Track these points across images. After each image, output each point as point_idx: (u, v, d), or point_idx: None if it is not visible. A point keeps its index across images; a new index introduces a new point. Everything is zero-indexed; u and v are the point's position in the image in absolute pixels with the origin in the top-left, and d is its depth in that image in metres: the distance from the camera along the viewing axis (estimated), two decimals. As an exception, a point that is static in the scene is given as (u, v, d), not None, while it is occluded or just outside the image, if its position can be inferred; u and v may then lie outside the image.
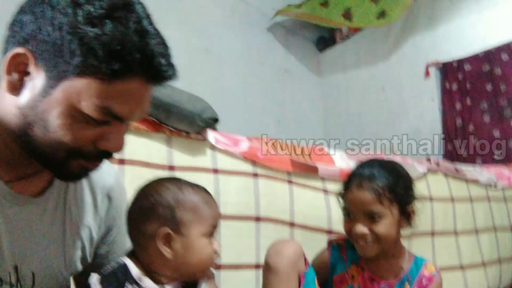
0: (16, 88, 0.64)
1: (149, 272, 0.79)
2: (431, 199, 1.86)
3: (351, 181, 1.15)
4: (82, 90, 0.62)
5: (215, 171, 1.32)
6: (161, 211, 0.78)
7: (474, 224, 1.97)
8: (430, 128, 3.14)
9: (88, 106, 0.62)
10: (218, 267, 1.23)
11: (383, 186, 1.10)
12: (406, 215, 1.14)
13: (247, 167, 1.38)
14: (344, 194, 1.17)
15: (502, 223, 2.09)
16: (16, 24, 0.66)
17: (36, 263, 0.74)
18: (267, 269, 1.00)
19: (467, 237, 1.93)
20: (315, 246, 1.48)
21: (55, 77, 0.62)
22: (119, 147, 0.69)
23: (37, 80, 0.63)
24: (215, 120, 1.26)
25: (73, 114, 0.63)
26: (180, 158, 1.26)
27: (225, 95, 3.12)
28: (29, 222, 0.73)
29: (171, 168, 1.23)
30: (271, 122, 3.66)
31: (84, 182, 0.84)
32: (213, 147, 1.34)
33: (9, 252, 0.70)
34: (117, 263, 0.81)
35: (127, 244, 0.87)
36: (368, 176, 1.12)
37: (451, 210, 1.90)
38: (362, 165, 1.19)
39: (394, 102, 3.42)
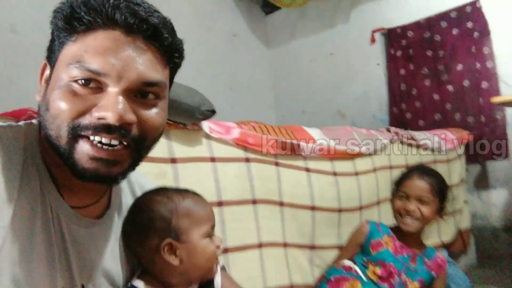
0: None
1: (162, 284, 0.83)
2: (391, 167, 2.05)
3: (413, 172, 1.56)
4: (63, 60, 0.65)
5: (212, 159, 1.37)
6: (158, 225, 0.81)
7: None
8: (377, 92, 3.35)
9: (69, 71, 0.64)
10: (226, 251, 1.31)
11: (437, 183, 1.52)
12: (439, 211, 1.53)
13: (240, 153, 1.44)
14: (403, 181, 1.55)
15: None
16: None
17: (101, 281, 0.77)
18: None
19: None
20: (301, 223, 1.62)
21: (52, 66, 0.68)
22: (113, 111, 0.63)
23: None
24: (213, 111, 1.30)
25: (62, 86, 0.64)
26: (180, 150, 1.29)
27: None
28: (94, 242, 0.76)
29: (173, 160, 1.27)
30: (223, 89, 3.67)
31: (128, 193, 0.87)
32: (207, 136, 1.37)
33: (77, 272, 0.73)
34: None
35: None
36: (429, 173, 1.55)
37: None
38: (424, 167, 1.65)
39: (342, 67, 3.56)
